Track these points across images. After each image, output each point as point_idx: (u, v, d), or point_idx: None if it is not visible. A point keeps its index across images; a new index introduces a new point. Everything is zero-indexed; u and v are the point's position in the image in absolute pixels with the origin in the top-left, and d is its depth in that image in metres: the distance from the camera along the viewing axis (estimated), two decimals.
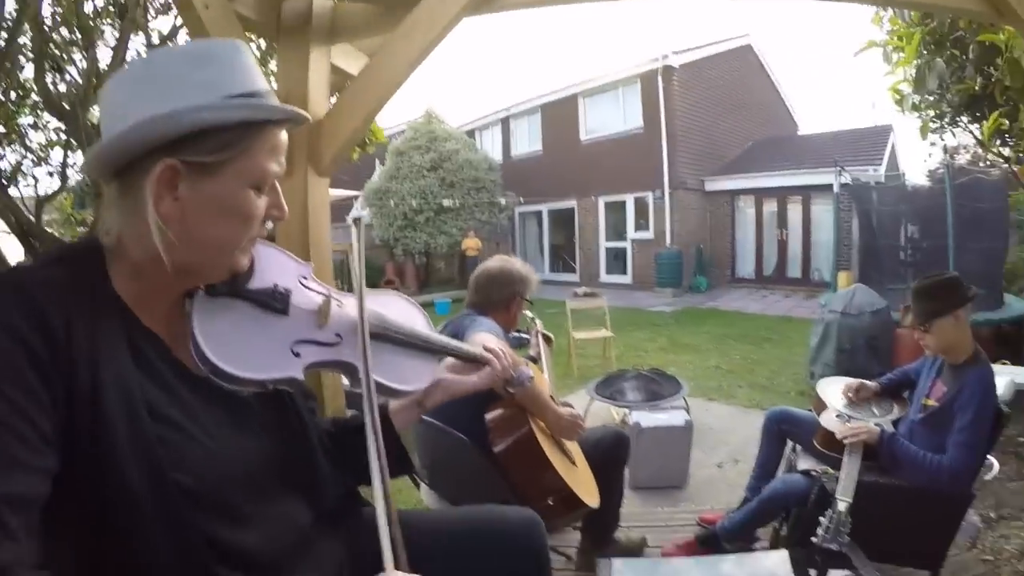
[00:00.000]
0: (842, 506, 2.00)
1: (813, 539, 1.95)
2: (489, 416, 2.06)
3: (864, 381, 2.74)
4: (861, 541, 2.02)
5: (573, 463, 2.19)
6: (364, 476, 0.89)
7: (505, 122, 17.99)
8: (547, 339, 2.72)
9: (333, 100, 1.99)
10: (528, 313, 2.64)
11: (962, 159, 10.82)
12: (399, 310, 1.18)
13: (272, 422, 0.99)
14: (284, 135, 0.91)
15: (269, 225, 0.95)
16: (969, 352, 2.30)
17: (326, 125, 1.84)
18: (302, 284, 1.01)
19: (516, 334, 2.63)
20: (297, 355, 0.94)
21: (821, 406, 2.71)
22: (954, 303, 2.27)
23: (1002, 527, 3.12)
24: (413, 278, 15.25)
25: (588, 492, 2.13)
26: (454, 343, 1.25)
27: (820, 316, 6.00)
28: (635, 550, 2.70)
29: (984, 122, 3.74)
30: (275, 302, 0.95)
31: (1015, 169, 4.36)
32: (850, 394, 2.69)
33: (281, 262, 1.01)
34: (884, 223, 8.24)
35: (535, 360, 2.56)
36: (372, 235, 15.07)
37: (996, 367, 2.32)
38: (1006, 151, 4.17)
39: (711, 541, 2.61)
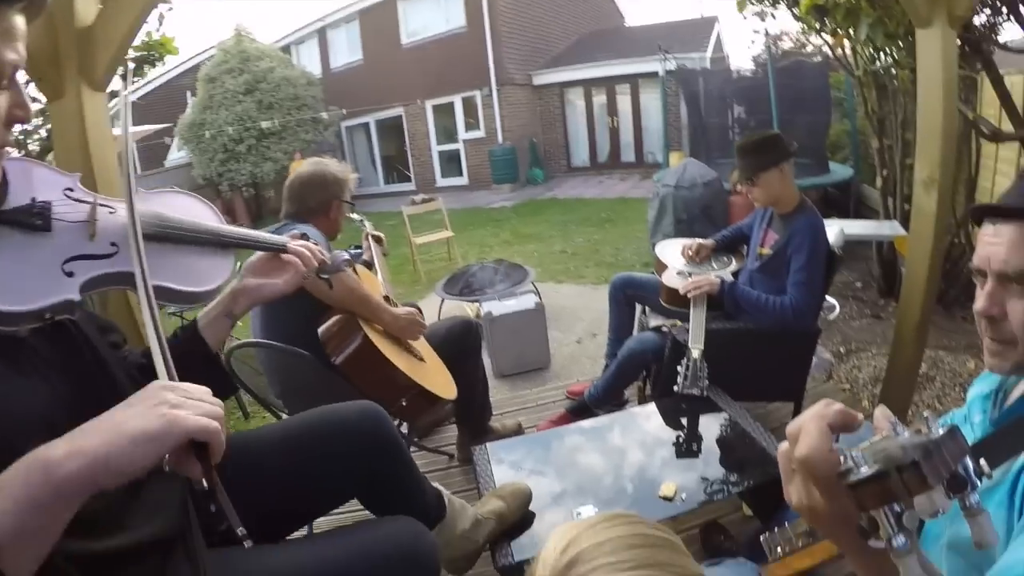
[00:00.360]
0: (695, 353, 2.11)
1: (675, 388, 2.05)
2: (321, 329, 1.99)
3: (700, 240, 2.88)
4: (726, 385, 2.15)
5: (421, 359, 2.16)
6: None
7: (322, 33, 16.68)
8: (378, 240, 2.60)
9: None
10: (355, 216, 2.50)
11: (785, 45, 11.59)
12: (182, 206, 1.07)
13: (60, 361, 0.87)
14: (21, 20, 0.77)
15: (15, 129, 0.81)
16: (796, 201, 2.45)
17: (96, 31, 1.64)
18: (67, 196, 0.90)
19: (356, 250, 2.52)
20: (70, 274, 0.84)
21: (662, 267, 2.84)
22: (777, 157, 2.39)
23: (852, 359, 3.56)
24: (244, 213, 14.16)
25: (442, 385, 2.12)
26: (251, 232, 1.15)
27: (655, 192, 6.30)
28: (512, 435, 2.74)
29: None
30: (34, 219, 0.83)
31: (830, 41, 4.60)
32: (689, 252, 2.82)
33: (40, 176, 0.90)
34: (712, 105, 8.76)
35: (369, 265, 2.44)
36: (193, 175, 13.80)
37: (826, 220, 2.50)
38: (826, 35, 4.37)
39: (582, 410, 2.70)
